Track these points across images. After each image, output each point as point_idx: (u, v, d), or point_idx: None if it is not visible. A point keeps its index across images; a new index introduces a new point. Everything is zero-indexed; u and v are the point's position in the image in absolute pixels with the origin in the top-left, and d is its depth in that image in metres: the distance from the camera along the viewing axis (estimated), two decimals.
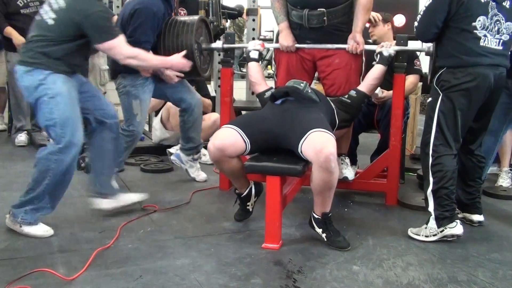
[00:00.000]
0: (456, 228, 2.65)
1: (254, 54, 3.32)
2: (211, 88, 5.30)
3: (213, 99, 4.94)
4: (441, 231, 2.67)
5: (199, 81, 4.58)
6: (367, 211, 3.23)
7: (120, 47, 2.73)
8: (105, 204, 2.97)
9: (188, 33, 3.26)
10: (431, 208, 2.70)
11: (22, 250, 2.48)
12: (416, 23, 2.77)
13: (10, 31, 4.68)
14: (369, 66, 3.30)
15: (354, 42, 3.12)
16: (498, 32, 2.66)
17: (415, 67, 3.72)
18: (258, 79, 3.24)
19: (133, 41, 2.97)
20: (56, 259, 2.40)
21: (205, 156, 4.18)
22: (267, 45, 3.47)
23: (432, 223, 2.69)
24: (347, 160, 3.39)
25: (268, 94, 3.04)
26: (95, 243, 2.56)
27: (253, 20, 5.45)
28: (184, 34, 3.26)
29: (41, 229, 2.66)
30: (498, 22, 2.65)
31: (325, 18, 3.07)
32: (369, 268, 2.38)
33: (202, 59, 3.46)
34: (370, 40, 3.76)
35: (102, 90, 6.07)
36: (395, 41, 3.29)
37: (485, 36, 2.64)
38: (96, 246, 2.50)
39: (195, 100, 3.59)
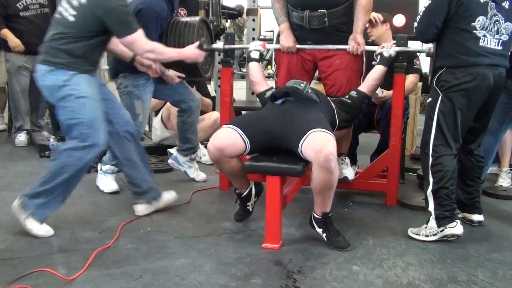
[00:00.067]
0: (456, 228, 2.65)
1: (255, 55, 3.32)
2: (211, 88, 5.31)
3: (213, 99, 4.95)
4: (441, 231, 2.67)
5: (199, 81, 4.58)
6: (367, 211, 3.23)
7: (141, 40, 2.74)
8: (145, 209, 3.01)
9: (190, 34, 3.26)
10: (431, 208, 2.70)
11: (22, 250, 2.48)
12: (416, 24, 2.78)
13: (6, 33, 4.68)
14: (369, 66, 3.31)
15: (355, 43, 3.13)
16: (497, 32, 2.67)
17: (414, 66, 3.72)
18: (259, 79, 3.24)
19: None
20: (56, 259, 2.40)
21: (205, 156, 4.19)
22: (268, 45, 3.47)
23: (432, 222, 2.69)
24: (347, 160, 3.39)
25: (268, 94, 3.04)
26: (95, 243, 2.56)
27: (253, 20, 5.45)
28: (186, 34, 3.26)
29: (43, 229, 2.65)
30: (497, 22, 2.65)
31: (325, 19, 3.08)
32: (369, 268, 2.38)
33: (203, 60, 3.46)
34: (369, 40, 3.76)
35: None
36: (394, 41, 3.30)
37: (484, 36, 2.64)
38: (96, 246, 2.50)
39: (195, 101, 3.59)
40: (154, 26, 3.21)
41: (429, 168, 2.71)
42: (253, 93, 4.00)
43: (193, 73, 3.39)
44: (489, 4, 2.64)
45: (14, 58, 4.76)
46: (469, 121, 2.76)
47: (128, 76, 3.32)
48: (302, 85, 2.80)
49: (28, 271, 2.22)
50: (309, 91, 2.82)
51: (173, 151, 3.91)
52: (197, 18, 3.39)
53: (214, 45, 3.51)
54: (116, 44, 2.90)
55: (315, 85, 4.01)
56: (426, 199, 2.75)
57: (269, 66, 7.89)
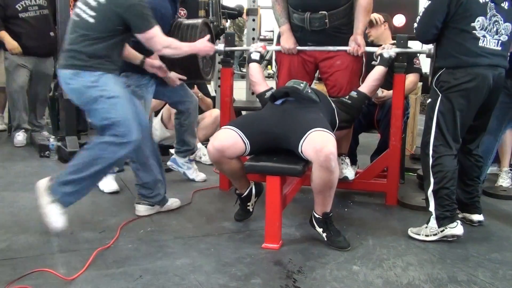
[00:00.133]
0: (456, 229, 2.65)
1: (255, 56, 3.33)
2: (211, 88, 5.31)
3: (213, 99, 4.95)
4: (441, 231, 2.67)
5: (199, 82, 4.58)
6: (367, 211, 3.23)
7: (159, 36, 2.75)
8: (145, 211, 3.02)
9: (192, 36, 3.26)
10: (432, 208, 2.70)
11: (22, 250, 2.48)
12: (415, 24, 2.78)
13: (3, 35, 4.66)
14: (368, 67, 3.31)
15: (355, 44, 3.14)
16: (496, 32, 2.67)
17: (414, 65, 3.72)
18: (259, 79, 3.24)
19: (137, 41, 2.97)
20: (56, 259, 2.40)
21: (205, 156, 4.19)
22: (268, 47, 3.47)
23: (433, 222, 2.69)
24: (347, 160, 3.40)
25: (268, 94, 3.04)
26: (95, 243, 2.56)
27: (253, 20, 5.45)
28: (188, 37, 3.27)
29: (62, 221, 2.61)
30: (496, 23, 2.66)
31: (326, 20, 3.08)
32: (369, 268, 2.38)
33: (205, 62, 3.46)
34: (368, 40, 3.76)
35: None
36: (394, 41, 3.29)
37: (484, 36, 2.64)
38: (96, 246, 2.50)
39: (193, 103, 3.59)
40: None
41: (430, 168, 2.71)
42: (253, 93, 4.00)
43: (194, 75, 3.40)
44: (489, 4, 2.64)
45: (13, 56, 4.76)
46: (469, 121, 2.76)
47: (131, 75, 3.31)
48: (301, 85, 2.80)
49: (28, 271, 2.22)
50: (309, 91, 2.82)
51: (173, 151, 3.91)
52: (199, 21, 3.39)
53: (215, 47, 3.51)
54: (126, 47, 2.92)
55: (315, 85, 4.00)
56: (426, 199, 2.75)
57: (269, 66, 7.89)
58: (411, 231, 2.76)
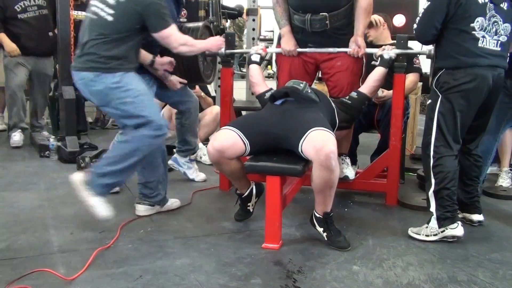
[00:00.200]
0: (457, 229, 2.65)
1: (255, 58, 3.34)
2: (211, 88, 5.31)
3: (213, 99, 4.95)
4: (442, 231, 2.67)
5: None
6: (367, 211, 3.23)
7: (175, 34, 2.78)
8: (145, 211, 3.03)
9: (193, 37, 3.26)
10: (432, 208, 2.70)
11: (22, 250, 2.48)
12: (415, 25, 2.78)
13: (2, 37, 4.64)
14: (368, 67, 3.31)
15: (356, 45, 3.14)
16: (496, 33, 2.67)
17: (414, 65, 3.72)
18: (259, 80, 3.25)
19: (144, 43, 2.98)
20: (56, 259, 2.40)
21: (206, 156, 4.19)
22: (268, 49, 3.47)
23: (434, 222, 2.69)
24: (348, 160, 3.40)
25: (268, 95, 3.04)
26: (95, 243, 2.56)
27: (253, 20, 5.45)
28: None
29: (108, 209, 2.71)
30: (496, 23, 2.66)
31: (327, 22, 3.08)
32: (369, 268, 2.38)
33: (206, 65, 3.46)
34: (367, 40, 3.75)
35: None
36: (393, 41, 3.29)
37: (483, 37, 2.65)
38: (96, 246, 2.50)
39: (194, 103, 3.59)
40: None
41: (431, 169, 2.71)
42: (253, 93, 4.01)
43: (195, 78, 3.40)
44: (488, 5, 2.65)
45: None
46: (469, 122, 2.76)
47: None
48: (301, 85, 2.81)
49: (28, 271, 2.22)
50: (309, 91, 2.82)
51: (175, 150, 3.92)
52: (199, 24, 3.39)
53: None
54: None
55: (315, 85, 4.00)
56: (427, 200, 2.75)
57: (269, 66, 7.89)
58: (411, 231, 2.76)
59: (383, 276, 2.30)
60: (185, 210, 3.16)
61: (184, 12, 4.46)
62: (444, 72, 2.71)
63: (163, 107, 4.61)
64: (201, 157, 4.33)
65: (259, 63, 3.34)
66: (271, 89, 3.17)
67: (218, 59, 3.75)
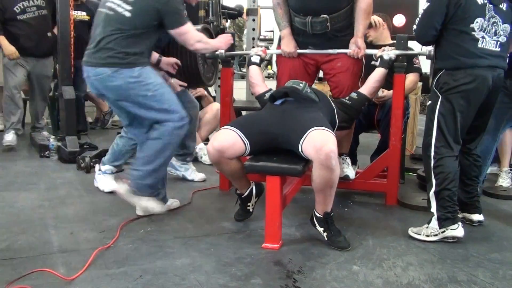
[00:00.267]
0: (457, 230, 2.65)
1: (255, 59, 3.35)
2: (211, 88, 5.31)
3: (213, 99, 4.94)
4: (442, 232, 2.67)
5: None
6: (367, 211, 3.23)
7: (192, 31, 2.83)
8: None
9: None
10: (433, 209, 2.70)
11: (22, 250, 2.48)
12: (415, 26, 2.79)
13: (1, 40, 4.60)
14: (368, 67, 3.32)
15: (356, 47, 3.14)
16: (495, 33, 2.68)
17: (414, 65, 3.72)
18: (259, 80, 3.26)
19: None
20: (56, 259, 2.40)
21: (206, 155, 4.18)
22: (268, 51, 3.47)
23: (434, 223, 2.69)
24: (348, 160, 3.40)
25: (268, 95, 3.04)
26: (95, 243, 2.56)
27: (253, 20, 5.45)
28: None
29: (160, 204, 2.88)
30: (495, 24, 2.67)
31: (328, 24, 3.09)
32: (369, 268, 2.38)
33: (206, 67, 3.46)
34: (367, 41, 3.75)
35: None
36: (393, 41, 3.29)
37: (483, 37, 2.65)
38: (96, 246, 2.50)
39: (194, 109, 3.60)
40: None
41: (431, 170, 2.71)
42: (253, 94, 4.02)
43: (195, 81, 3.40)
44: (487, 6, 2.65)
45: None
46: (469, 122, 2.76)
47: None
48: (301, 85, 2.81)
49: (28, 271, 2.23)
50: (308, 90, 2.82)
51: None
52: (199, 27, 3.39)
53: (216, 52, 3.50)
54: None
55: (315, 85, 4.01)
56: (428, 200, 2.75)
57: (269, 66, 7.88)
58: (412, 231, 2.76)
59: (383, 276, 2.30)
60: (185, 210, 3.17)
61: (184, 12, 4.46)
62: (444, 73, 2.71)
63: None
64: (201, 157, 4.33)
65: (258, 64, 3.34)
66: (270, 89, 3.17)
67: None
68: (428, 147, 2.74)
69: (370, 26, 3.74)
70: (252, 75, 3.29)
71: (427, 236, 2.70)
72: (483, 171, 3.35)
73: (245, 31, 6.48)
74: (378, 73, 3.13)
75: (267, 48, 3.48)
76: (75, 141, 4.38)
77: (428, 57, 3.01)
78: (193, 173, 3.80)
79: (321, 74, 3.82)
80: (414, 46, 3.46)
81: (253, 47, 4.78)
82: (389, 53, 3.13)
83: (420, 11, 2.77)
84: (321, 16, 3.07)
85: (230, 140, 2.61)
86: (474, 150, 2.93)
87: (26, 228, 2.77)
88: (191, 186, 3.65)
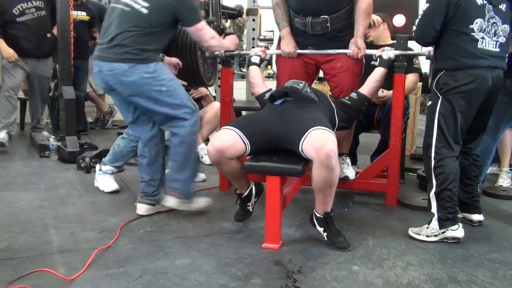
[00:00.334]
0: (458, 231, 2.65)
1: (255, 59, 3.35)
2: (211, 88, 5.31)
3: (213, 98, 4.94)
4: (442, 233, 2.67)
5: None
6: (367, 211, 3.23)
7: (207, 27, 2.88)
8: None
9: (193, 41, 3.26)
10: (434, 209, 2.70)
11: (22, 250, 2.48)
12: (414, 27, 2.79)
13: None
14: (367, 67, 3.32)
15: (356, 47, 3.14)
16: (495, 34, 2.68)
17: (414, 65, 3.72)
18: (258, 81, 3.26)
19: None
20: (56, 259, 2.40)
21: (207, 155, 4.18)
22: (268, 51, 3.48)
23: (435, 223, 2.69)
24: (348, 160, 3.40)
25: (267, 95, 3.04)
26: (95, 243, 2.56)
27: (253, 20, 5.46)
28: (188, 43, 3.28)
29: (204, 200, 3.05)
30: (494, 25, 2.67)
31: (328, 24, 3.09)
32: (369, 268, 2.38)
33: (206, 67, 3.46)
34: (367, 41, 3.75)
35: (102, 90, 6.07)
36: (394, 41, 3.29)
37: (482, 38, 2.65)
38: (96, 246, 2.50)
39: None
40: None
41: (432, 170, 2.71)
42: (253, 94, 4.03)
43: (195, 81, 3.40)
44: (487, 6, 2.65)
45: None
46: (469, 123, 2.76)
47: None
48: (300, 84, 2.81)
49: (28, 271, 2.22)
50: (308, 90, 2.82)
51: None
52: None
53: (216, 52, 3.50)
54: None
55: (315, 85, 4.01)
56: (429, 201, 2.75)
57: (269, 66, 7.88)
58: (412, 231, 2.76)
59: (383, 276, 2.30)
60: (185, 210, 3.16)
61: (199, 9, 4.45)
62: (444, 74, 2.72)
63: None
64: (202, 157, 4.33)
65: (258, 65, 3.34)
66: (270, 89, 3.17)
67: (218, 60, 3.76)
68: (429, 147, 2.74)
69: (369, 26, 3.74)
70: (252, 75, 3.29)
71: (427, 236, 2.70)
72: (483, 171, 3.35)
73: (245, 31, 6.48)
74: (378, 73, 3.13)
75: (267, 48, 3.48)
76: (75, 141, 4.37)
77: (427, 57, 3.02)
78: None
79: (321, 74, 3.82)
80: (414, 46, 3.46)
81: (253, 47, 4.79)
82: (388, 53, 3.14)
83: (420, 11, 2.77)
84: (321, 16, 3.07)
85: (230, 140, 2.61)
86: (474, 150, 2.93)
87: (26, 228, 2.77)
88: None
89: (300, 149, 2.52)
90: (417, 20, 2.77)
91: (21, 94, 5.51)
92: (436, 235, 2.68)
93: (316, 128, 2.49)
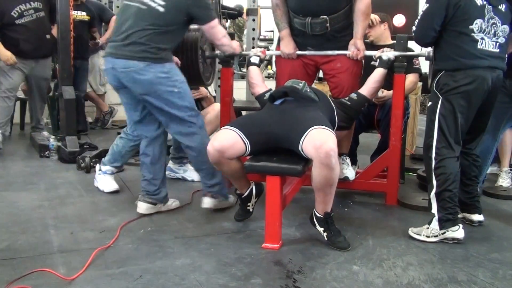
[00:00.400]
0: (458, 232, 2.65)
1: (255, 60, 3.36)
2: (211, 88, 5.30)
3: (213, 99, 4.94)
4: (442, 233, 2.67)
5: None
6: (367, 211, 3.23)
7: (219, 25, 2.91)
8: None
9: (194, 39, 3.26)
10: (434, 210, 2.70)
11: (22, 250, 2.48)
12: (414, 28, 2.79)
13: None
14: (367, 68, 3.31)
15: (355, 48, 3.14)
16: (494, 35, 2.68)
17: (414, 66, 3.72)
18: (258, 81, 3.26)
19: None
20: (56, 259, 2.40)
21: None
22: (268, 52, 3.47)
23: (435, 224, 2.69)
24: (348, 160, 3.40)
25: (267, 95, 3.04)
26: (95, 243, 2.56)
27: (253, 20, 5.45)
28: (191, 40, 3.28)
29: (232, 197, 3.11)
30: (494, 25, 2.67)
31: (327, 24, 3.09)
32: (369, 268, 2.38)
33: (205, 66, 3.47)
34: (368, 41, 3.75)
35: (102, 90, 6.08)
36: (394, 41, 3.29)
37: (482, 39, 2.65)
38: (96, 246, 2.50)
39: None
40: None
41: (432, 171, 2.71)
42: (253, 94, 4.03)
43: (195, 80, 3.40)
44: (486, 7, 2.66)
45: None
46: (469, 123, 2.77)
47: None
48: (300, 84, 2.81)
49: (28, 271, 2.22)
50: (308, 90, 2.82)
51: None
52: (197, 33, 3.39)
53: (216, 52, 3.49)
54: None
55: (315, 85, 4.01)
56: (429, 201, 2.75)
57: (269, 66, 7.89)
58: (412, 231, 2.76)
59: (383, 276, 2.30)
60: (185, 210, 3.16)
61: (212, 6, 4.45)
62: (444, 74, 2.72)
63: None
64: None
65: (258, 65, 3.35)
66: (270, 89, 3.17)
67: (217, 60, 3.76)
68: (429, 148, 2.74)
69: (368, 26, 3.74)
70: (252, 75, 3.29)
71: (427, 236, 2.70)
72: (483, 171, 3.35)
73: (245, 31, 6.48)
74: (378, 73, 3.13)
75: (267, 48, 3.48)
76: (75, 141, 4.37)
77: (427, 58, 3.02)
78: (192, 173, 3.80)
79: (321, 74, 3.82)
80: (414, 46, 3.46)
81: (253, 47, 4.80)
82: (388, 54, 3.14)
83: (420, 11, 2.78)
84: (321, 17, 3.07)
85: (230, 140, 2.61)
86: (474, 150, 2.93)
87: (26, 228, 2.77)
88: (191, 186, 3.65)
89: (300, 149, 2.52)
90: (417, 20, 2.77)
91: (21, 94, 5.52)
92: (436, 236, 2.68)
93: (316, 127, 2.49)
